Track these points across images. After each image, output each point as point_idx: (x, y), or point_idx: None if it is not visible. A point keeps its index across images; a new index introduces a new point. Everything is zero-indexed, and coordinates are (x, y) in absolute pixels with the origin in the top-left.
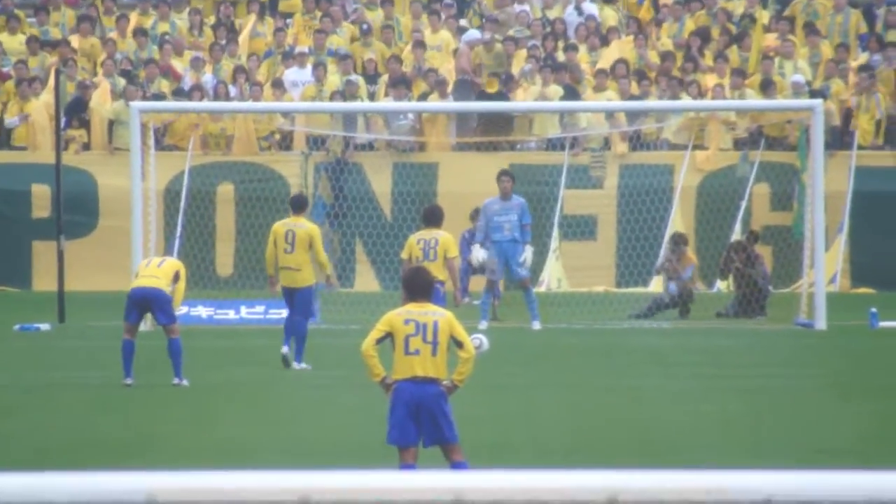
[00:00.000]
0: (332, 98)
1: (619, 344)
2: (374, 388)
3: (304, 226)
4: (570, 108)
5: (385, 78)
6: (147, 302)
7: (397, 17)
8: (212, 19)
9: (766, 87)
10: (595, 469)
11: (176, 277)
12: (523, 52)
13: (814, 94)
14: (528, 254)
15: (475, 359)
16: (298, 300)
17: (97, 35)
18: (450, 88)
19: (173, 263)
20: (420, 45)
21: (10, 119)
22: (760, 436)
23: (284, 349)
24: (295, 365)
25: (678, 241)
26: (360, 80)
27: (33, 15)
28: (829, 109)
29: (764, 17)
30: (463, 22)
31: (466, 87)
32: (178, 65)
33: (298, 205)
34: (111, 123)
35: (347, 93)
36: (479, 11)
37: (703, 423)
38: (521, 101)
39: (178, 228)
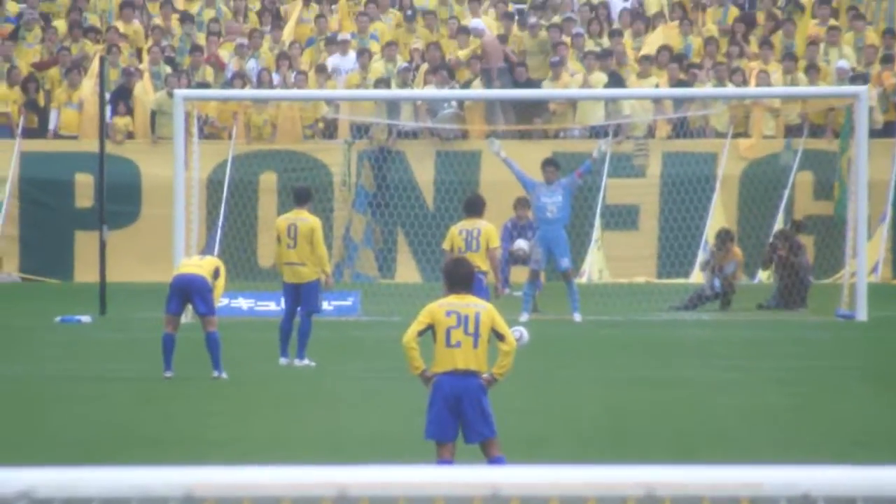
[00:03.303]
0: (376, 85)
1: (660, 336)
2: (415, 381)
3: (306, 219)
4: (613, 95)
5: (425, 66)
6: (189, 290)
7: (451, 4)
8: (257, 5)
9: (811, 73)
10: (632, 464)
11: (216, 274)
12: (568, 39)
13: (856, 78)
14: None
15: (516, 351)
16: (305, 295)
17: (141, 21)
18: (480, 76)
19: (214, 260)
20: (463, 31)
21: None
22: (800, 429)
23: (283, 361)
24: (297, 362)
25: (725, 237)
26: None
27: (74, 2)
28: (871, 95)
29: (807, 1)
30: (509, 8)
31: (501, 76)
32: (224, 53)
33: (301, 197)
34: (153, 113)
35: (399, 80)
36: None
37: (742, 415)
38: (569, 87)
39: (221, 218)
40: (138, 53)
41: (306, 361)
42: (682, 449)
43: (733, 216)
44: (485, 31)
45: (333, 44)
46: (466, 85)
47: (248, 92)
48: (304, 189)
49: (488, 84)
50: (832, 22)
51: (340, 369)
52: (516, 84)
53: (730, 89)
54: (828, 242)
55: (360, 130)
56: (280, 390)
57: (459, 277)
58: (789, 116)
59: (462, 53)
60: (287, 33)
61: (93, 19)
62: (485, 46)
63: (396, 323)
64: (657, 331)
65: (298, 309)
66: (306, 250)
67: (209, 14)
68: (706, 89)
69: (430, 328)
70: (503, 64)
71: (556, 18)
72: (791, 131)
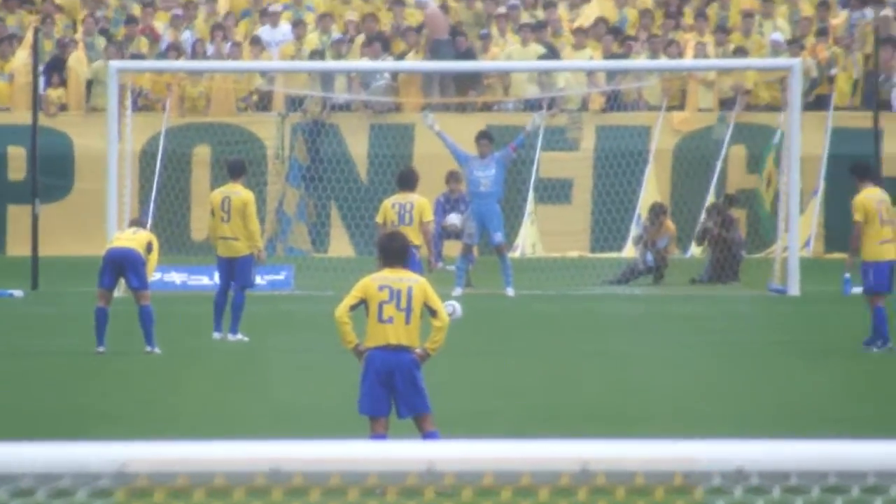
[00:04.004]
0: (311, 57)
1: (593, 310)
2: (348, 356)
3: (239, 193)
4: (549, 67)
5: (361, 37)
6: (122, 263)
7: None
8: None
9: (739, 55)
10: (567, 438)
11: (149, 248)
12: (503, 10)
13: (791, 43)
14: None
15: (448, 326)
16: (238, 270)
17: None
18: (423, 49)
19: (147, 234)
20: (398, 2)
21: None
22: (734, 403)
23: (216, 335)
24: (230, 337)
25: (658, 211)
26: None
27: None
28: (808, 63)
29: None
30: None
31: (443, 48)
32: (159, 24)
33: (235, 170)
34: (89, 83)
35: (334, 52)
36: None
37: (676, 390)
38: (497, 60)
39: (153, 191)
40: (73, 25)
41: (239, 336)
42: (617, 424)
43: (666, 190)
44: (428, 3)
45: (267, 15)
46: (400, 57)
47: (183, 63)
48: (238, 162)
49: (433, 57)
50: None
51: (274, 343)
52: (458, 55)
53: (663, 61)
54: (760, 217)
55: (294, 103)
56: (213, 365)
57: (393, 251)
58: (722, 89)
59: (411, 57)
60: (222, 4)
61: None
62: (428, 19)
63: (329, 297)
64: (590, 305)
65: (232, 283)
66: (239, 224)
67: None
68: (640, 61)
69: (363, 302)
70: (447, 36)
71: None
72: (724, 104)
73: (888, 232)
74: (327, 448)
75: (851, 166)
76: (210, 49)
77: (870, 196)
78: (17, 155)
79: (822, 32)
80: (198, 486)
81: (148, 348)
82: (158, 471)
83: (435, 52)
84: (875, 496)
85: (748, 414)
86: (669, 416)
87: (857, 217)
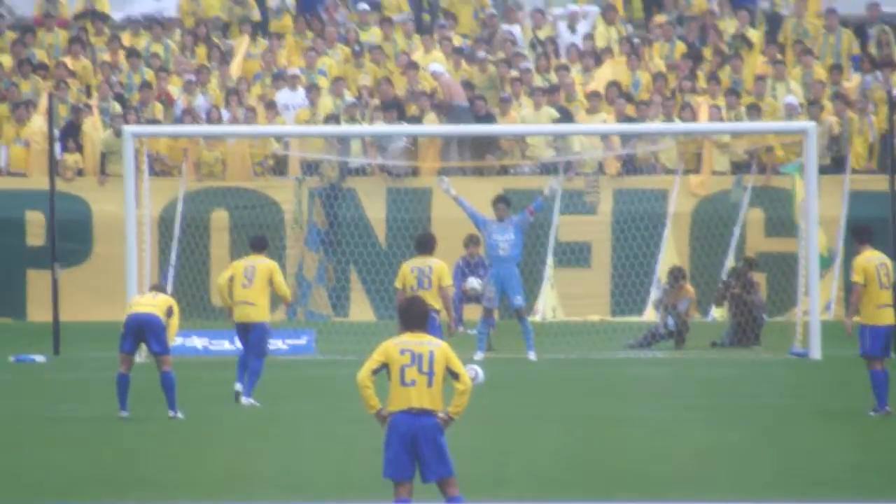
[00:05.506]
0: (326, 122)
1: (615, 374)
2: (370, 420)
3: (264, 261)
4: (564, 131)
5: (375, 101)
6: (142, 328)
7: (395, 38)
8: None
9: (752, 113)
10: (590, 502)
11: (169, 312)
12: (516, 74)
13: (810, 104)
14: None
15: (471, 390)
16: (253, 338)
17: (88, 57)
18: (438, 112)
19: (167, 298)
20: (412, 66)
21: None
22: (756, 467)
23: (238, 386)
24: (243, 399)
25: (677, 275)
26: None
27: (20, 37)
28: (827, 121)
29: (755, 36)
30: (457, 42)
31: (462, 113)
32: (173, 89)
33: (258, 245)
34: (103, 154)
35: (346, 115)
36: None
37: (698, 454)
38: (514, 123)
39: (173, 257)
40: (87, 90)
41: (252, 401)
42: (640, 487)
43: (685, 253)
44: (443, 74)
45: (281, 79)
46: (416, 121)
47: (199, 127)
48: (261, 238)
49: (452, 123)
50: (779, 57)
51: (297, 408)
52: (478, 119)
53: (677, 125)
54: (780, 280)
55: (310, 168)
56: (236, 430)
57: (413, 316)
58: (736, 153)
59: (427, 121)
60: (235, 69)
61: (41, 55)
62: (444, 87)
63: (351, 361)
64: (612, 369)
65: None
66: (259, 290)
67: (156, 49)
68: (654, 125)
69: (385, 367)
70: (465, 103)
71: (501, 54)
72: (740, 168)
73: (887, 296)
74: None
75: (852, 229)
76: (225, 114)
77: (870, 259)
78: (35, 220)
79: (836, 95)
80: None
81: (171, 413)
82: None
83: (454, 117)
84: None
85: (771, 477)
86: (692, 480)
87: (856, 278)
